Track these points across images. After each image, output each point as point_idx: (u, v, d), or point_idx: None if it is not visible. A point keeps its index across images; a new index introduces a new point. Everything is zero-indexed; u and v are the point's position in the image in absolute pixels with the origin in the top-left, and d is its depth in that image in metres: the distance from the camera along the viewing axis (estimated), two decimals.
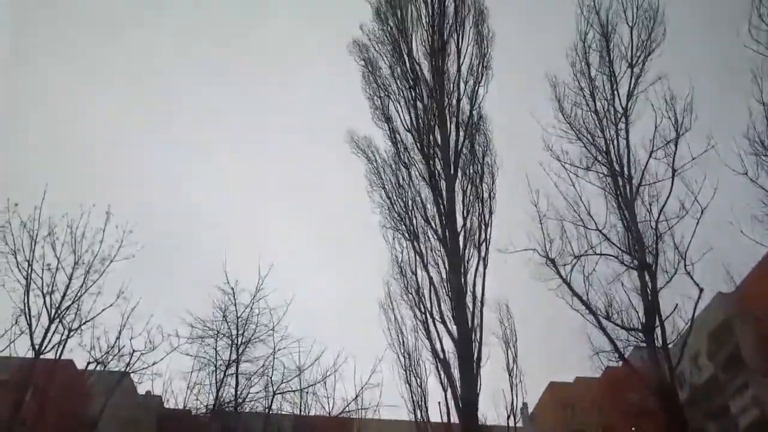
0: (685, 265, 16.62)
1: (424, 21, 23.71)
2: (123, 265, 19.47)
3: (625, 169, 18.65)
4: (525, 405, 22.02)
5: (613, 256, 17.87)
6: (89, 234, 19.20)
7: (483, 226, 20.58)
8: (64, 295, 18.82)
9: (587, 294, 17.58)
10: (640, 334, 16.80)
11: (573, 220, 18.50)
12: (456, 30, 23.47)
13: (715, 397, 36.65)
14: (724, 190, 17.16)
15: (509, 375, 20.53)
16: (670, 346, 16.75)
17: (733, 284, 26.94)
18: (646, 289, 16.97)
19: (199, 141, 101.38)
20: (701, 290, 16.46)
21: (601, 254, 17.97)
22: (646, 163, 18.25)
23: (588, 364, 20.51)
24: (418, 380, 21.36)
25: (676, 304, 16.64)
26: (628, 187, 18.37)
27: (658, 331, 16.60)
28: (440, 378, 19.58)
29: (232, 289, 20.13)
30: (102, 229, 19.20)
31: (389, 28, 23.99)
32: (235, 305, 20.06)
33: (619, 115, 19.14)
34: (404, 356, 21.70)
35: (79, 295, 18.91)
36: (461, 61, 22.95)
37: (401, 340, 21.97)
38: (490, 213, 20.80)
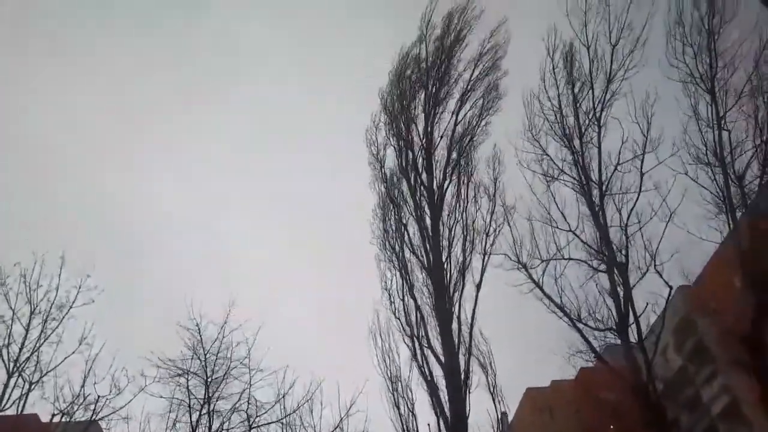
0: (655, 265, 17.68)
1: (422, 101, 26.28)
2: (83, 310, 18.90)
3: (594, 174, 19.81)
4: (504, 414, 22.20)
5: (582, 260, 18.67)
6: (44, 281, 18.65)
7: (467, 258, 22.32)
8: (22, 346, 18.17)
9: (560, 297, 18.35)
10: (615, 333, 17.47)
11: (544, 221, 19.89)
12: (456, 97, 25.87)
13: (685, 388, 37.56)
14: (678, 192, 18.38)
15: (491, 395, 21.08)
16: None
17: (688, 280, 28.14)
18: (616, 289, 17.74)
19: (162, 167, 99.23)
20: (671, 288, 17.49)
21: (569, 258, 18.79)
22: (614, 170, 19.59)
23: (563, 367, 21.32)
24: (409, 404, 21.78)
25: (647, 303, 17.80)
26: (598, 193, 19.38)
27: (633, 327, 17.33)
28: (431, 401, 20.33)
29: (197, 325, 19.56)
30: (57, 275, 18.68)
31: (394, 106, 26.86)
32: (201, 342, 19.51)
33: (585, 126, 20.46)
34: (392, 380, 22.17)
35: (37, 345, 18.30)
36: (457, 120, 25.49)
37: (388, 364, 22.59)
38: (472, 245, 22.54)
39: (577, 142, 20.43)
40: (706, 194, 18.61)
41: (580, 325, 18.48)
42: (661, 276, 17.63)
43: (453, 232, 22.97)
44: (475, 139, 25.13)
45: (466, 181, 24.13)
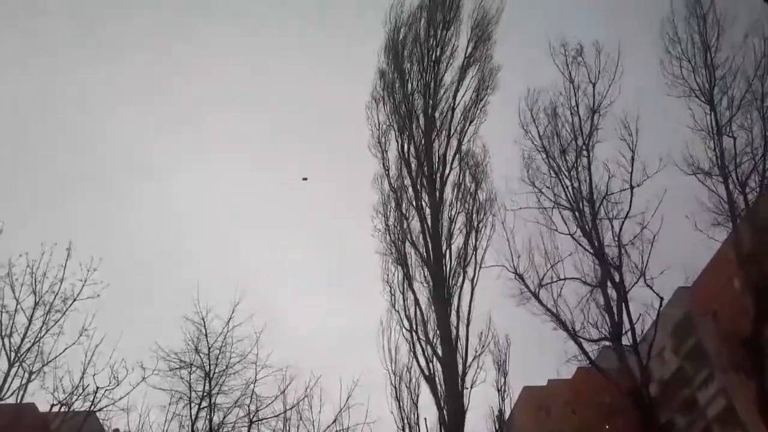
0: (645, 280, 18.21)
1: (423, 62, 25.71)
2: (87, 302, 18.85)
3: (584, 204, 20.20)
4: (501, 412, 22.19)
5: (578, 278, 19.07)
6: (50, 273, 18.59)
7: (470, 251, 22.04)
8: (24, 336, 18.16)
9: (556, 306, 18.66)
10: (609, 341, 17.83)
11: (541, 254, 20.22)
12: (453, 72, 25.45)
13: (682, 389, 37.67)
14: (679, 195, 18.87)
15: (498, 392, 21.03)
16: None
17: (688, 281, 28.33)
18: (610, 305, 18.12)
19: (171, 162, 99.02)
20: (661, 299, 18.11)
21: (565, 278, 19.19)
22: (602, 200, 20.04)
23: (559, 367, 21.50)
24: (414, 397, 21.56)
25: (639, 314, 18.16)
26: (589, 212, 20.00)
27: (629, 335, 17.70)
28: (433, 395, 20.24)
29: (203, 319, 19.53)
30: (63, 266, 18.61)
31: (392, 75, 26.22)
32: (206, 336, 19.48)
33: (576, 155, 21.05)
34: (394, 373, 21.93)
35: (39, 336, 18.27)
36: (456, 104, 24.87)
37: (392, 358, 22.32)
38: (476, 238, 22.23)
39: (567, 176, 21.00)
40: (708, 202, 18.94)
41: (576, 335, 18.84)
42: (652, 289, 18.20)
43: (454, 224, 22.62)
44: (474, 122, 24.61)
45: (467, 170, 23.76)
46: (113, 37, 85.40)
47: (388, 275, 23.04)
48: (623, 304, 18.14)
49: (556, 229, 20.27)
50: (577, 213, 20.13)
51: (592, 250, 19.37)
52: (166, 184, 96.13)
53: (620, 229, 19.16)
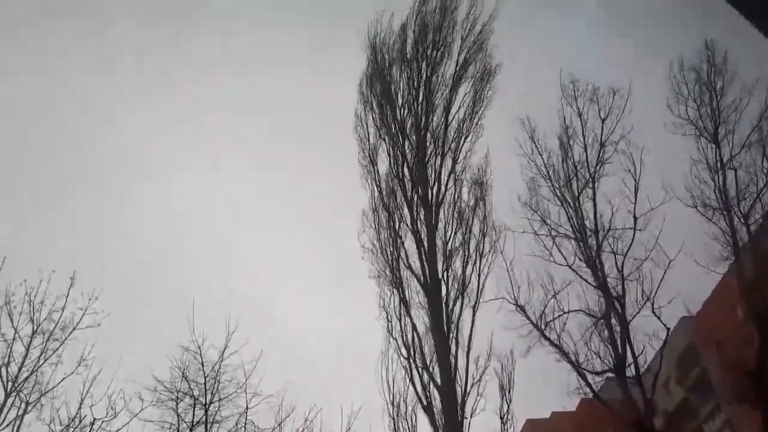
0: (653, 308, 18.23)
1: (411, 82, 25.03)
2: (86, 330, 18.74)
3: (590, 224, 20.36)
4: None
5: (582, 311, 19.01)
6: (48, 301, 18.53)
7: (469, 275, 21.51)
8: (22, 366, 18.01)
9: (559, 338, 18.57)
10: (613, 373, 17.70)
11: (542, 283, 20.08)
12: (445, 87, 24.81)
13: (688, 421, 36.98)
14: (679, 227, 19.24)
15: (501, 420, 20.59)
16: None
17: (689, 311, 28.20)
18: (614, 337, 18.35)
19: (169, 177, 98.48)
20: (668, 330, 17.62)
21: (569, 311, 19.02)
22: (606, 233, 20.10)
23: (562, 399, 21.09)
24: (410, 427, 20.81)
25: (643, 346, 18.31)
26: (595, 242, 20.03)
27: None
28: (431, 427, 19.69)
29: (199, 347, 19.40)
30: (65, 295, 18.54)
31: (378, 92, 25.42)
32: (202, 365, 19.31)
33: (585, 183, 21.17)
34: (393, 404, 21.21)
35: (37, 365, 18.12)
36: (450, 119, 24.17)
37: (390, 389, 21.56)
38: (476, 262, 21.76)
39: (571, 206, 21.06)
40: (710, 234, 19.00)
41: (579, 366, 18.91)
42: (659, 319, 18.31)
43: (450, 245, 21.96)
44: (469, 138, 23.97)
45: (463, 189, 23.20)
46: (113, 36, 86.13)
47: (384, 300, 22.30)
48: (626, 335, 17.96)
49: (553, 260, 20.19)
50: (581, 244, 20.01)
51: (595, 283, 19.23)
52: (166, 184, 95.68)
53: (623, 261, 19.16)
